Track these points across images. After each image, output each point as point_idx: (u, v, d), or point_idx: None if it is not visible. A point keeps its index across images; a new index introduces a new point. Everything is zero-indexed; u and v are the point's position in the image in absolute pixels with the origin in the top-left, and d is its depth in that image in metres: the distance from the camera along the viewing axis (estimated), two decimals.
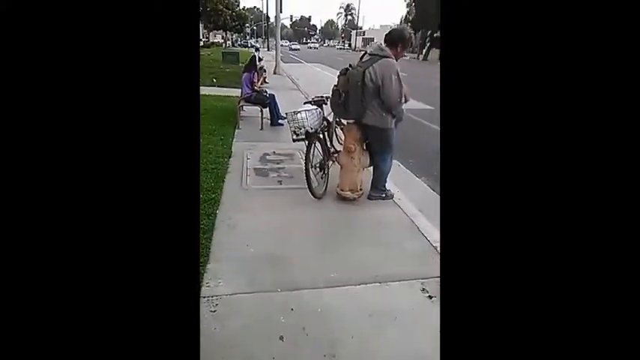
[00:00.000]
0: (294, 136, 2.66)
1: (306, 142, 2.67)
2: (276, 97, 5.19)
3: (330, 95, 2.81)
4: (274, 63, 12.78)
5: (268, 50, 29.40)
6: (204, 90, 7.65)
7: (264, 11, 40.96)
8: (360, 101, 2.43)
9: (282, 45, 20.42)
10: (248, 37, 46.94)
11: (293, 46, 47.39)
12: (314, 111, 2.69)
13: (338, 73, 2.57)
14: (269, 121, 5.11)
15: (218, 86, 8.37)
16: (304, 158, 2.69)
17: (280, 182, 3.16)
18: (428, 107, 6.62)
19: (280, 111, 5.21)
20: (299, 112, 2.64)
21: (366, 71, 2.39)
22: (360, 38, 61.15)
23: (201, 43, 26.59)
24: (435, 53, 26.59)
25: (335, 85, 2.58)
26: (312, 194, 2.75)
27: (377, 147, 2.69)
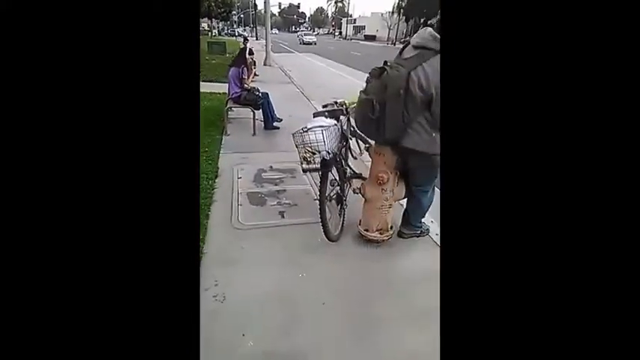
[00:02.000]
0: (305, 165, 1.81)
1: (320, 172, 1.88)
2: (269, 96, 4.41)
3: (350, 103, 2.05)
4: (264, 53, 11.88)
5: (257, 40, 28.13)
6: None
7: None
8: (401, 117, 1.60)
9: (272, 33, 19.03)
10: (235, 26, 44.47)
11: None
12: (331, 128, 1.80)
13: (368, 75, 1.70)
14: (262, 124, 4.36)
15: (203, 81, 7.47)
16: (318, 191, 1.94)
17: (282, 215, 2.43)
18: None
19: (275, 111, 4.46)
20: (312, 130, 1.75)
21: (413, 74, 1.54)
22: (351, 26, 60.11)
23: None
24: None
25: (363, 92, 1.71)
26: (328, 238, 2.03)
27: (419, 177, 1.92)
